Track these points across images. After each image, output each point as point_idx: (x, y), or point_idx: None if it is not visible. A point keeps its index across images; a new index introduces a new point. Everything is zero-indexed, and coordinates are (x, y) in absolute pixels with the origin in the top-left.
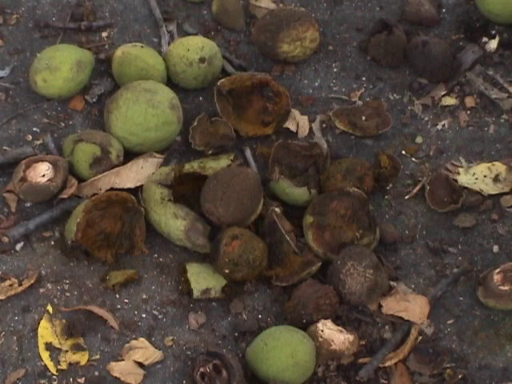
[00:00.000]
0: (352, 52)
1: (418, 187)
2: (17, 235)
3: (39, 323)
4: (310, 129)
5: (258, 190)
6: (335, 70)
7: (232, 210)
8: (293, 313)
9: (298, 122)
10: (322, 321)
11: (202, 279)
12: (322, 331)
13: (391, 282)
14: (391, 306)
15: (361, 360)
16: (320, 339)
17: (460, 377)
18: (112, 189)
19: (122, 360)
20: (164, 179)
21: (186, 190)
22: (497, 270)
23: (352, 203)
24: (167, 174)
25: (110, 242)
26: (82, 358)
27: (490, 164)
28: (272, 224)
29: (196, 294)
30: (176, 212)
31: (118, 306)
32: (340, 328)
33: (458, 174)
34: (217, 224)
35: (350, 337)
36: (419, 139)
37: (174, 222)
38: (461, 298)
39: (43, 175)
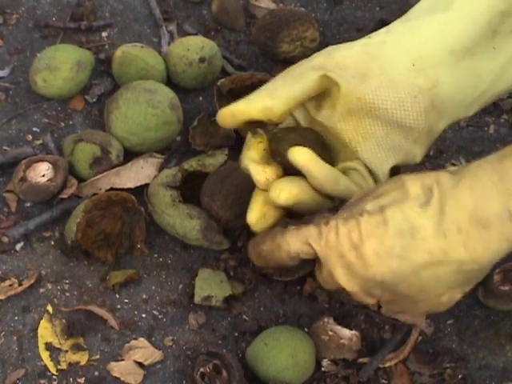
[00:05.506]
0: None
1: None
2: (17, 235)
3: (39, 323)
4: None
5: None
6: None
7: (230, 203)
8: None
9: None
10: (326, 318)
11: (206, 286)
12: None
13: None
14: None
15: (361, 360)
16: (330, 333)
17: (460, 377)
18: (112, 189)
19: (122, 360)
20: (172, 181)
21: (186, 190)
22: (497, 270)
23: None
24: (174, 175)
25: (109, 242)
26: (82, 357)
27: None
28: None
29: (197, 299)
30: (190, 212)
31: (118, 306)
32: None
33: None
34: (216, 219)
35: (356, 333)
36: None
37: (189, 222)
38: (461, 298)
39: (43, 175)
